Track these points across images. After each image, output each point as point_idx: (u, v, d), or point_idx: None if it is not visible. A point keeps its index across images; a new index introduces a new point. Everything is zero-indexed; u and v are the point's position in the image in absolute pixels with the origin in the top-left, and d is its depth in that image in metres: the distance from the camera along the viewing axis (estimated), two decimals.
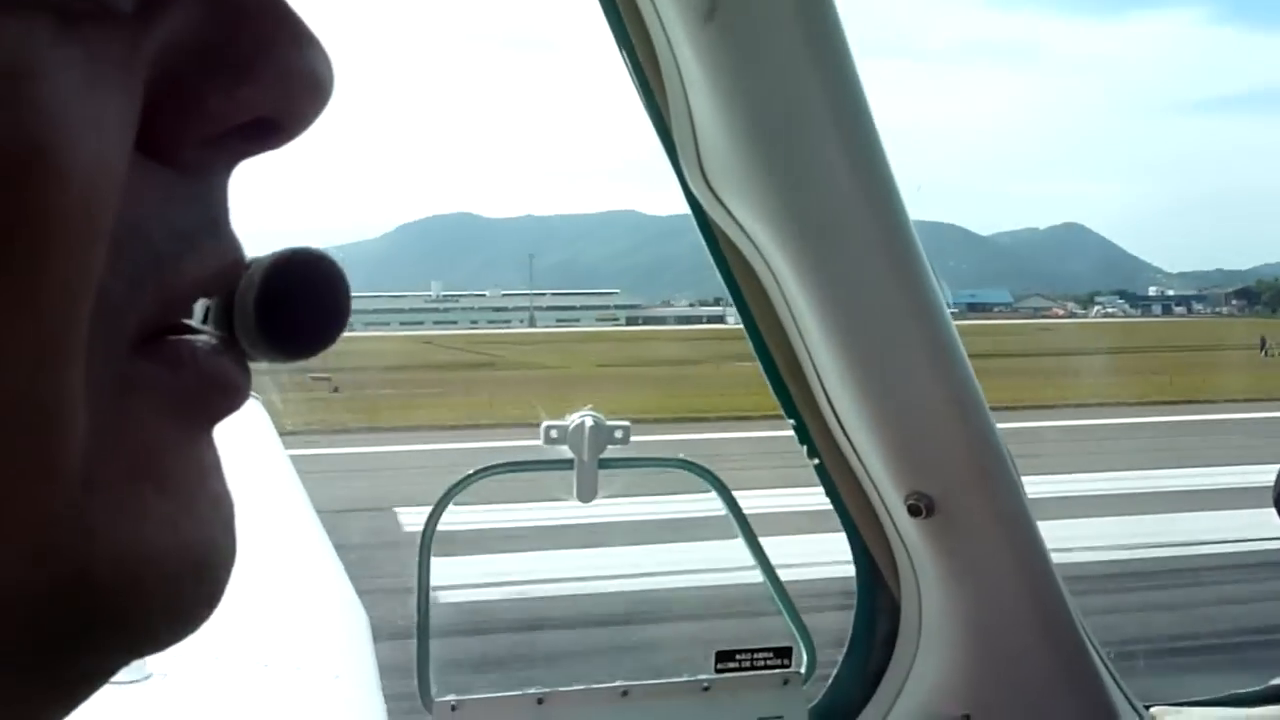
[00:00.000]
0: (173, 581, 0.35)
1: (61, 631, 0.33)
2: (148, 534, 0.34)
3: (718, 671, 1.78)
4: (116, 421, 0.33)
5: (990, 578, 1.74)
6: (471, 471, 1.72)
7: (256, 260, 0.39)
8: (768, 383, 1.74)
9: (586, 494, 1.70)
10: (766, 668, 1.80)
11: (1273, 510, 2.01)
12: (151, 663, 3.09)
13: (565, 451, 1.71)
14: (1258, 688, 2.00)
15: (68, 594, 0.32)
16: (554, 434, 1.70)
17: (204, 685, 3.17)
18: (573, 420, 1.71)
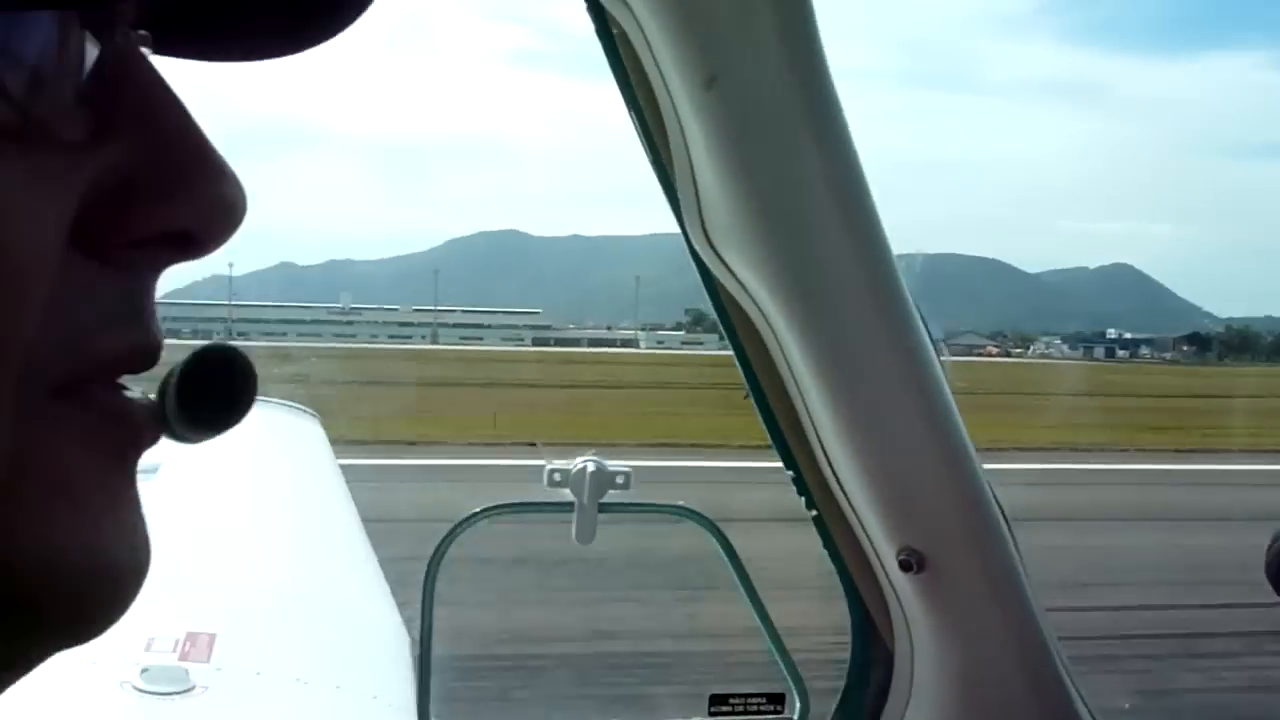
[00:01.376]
0: (76, 582, 0.43)
1: None
2: (57, 538, 0.43)
3: (710, 714, 1.83)
4: (35, 447, 0.42)
5: (980, 633, 1.77)
6: (476, 510, 1.78)
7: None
8: (767, 434, 1.78)
9: (585, 537, 1.75)
10: (760, 713, 1.85)
11: None
12: (194, 674, 3.17)
13: (567, 494, 1.76)
14: None
15: None
16: (556, 477, 1.76)
17: (243, 699, 3.24)
18: (575, 464, 1.76)
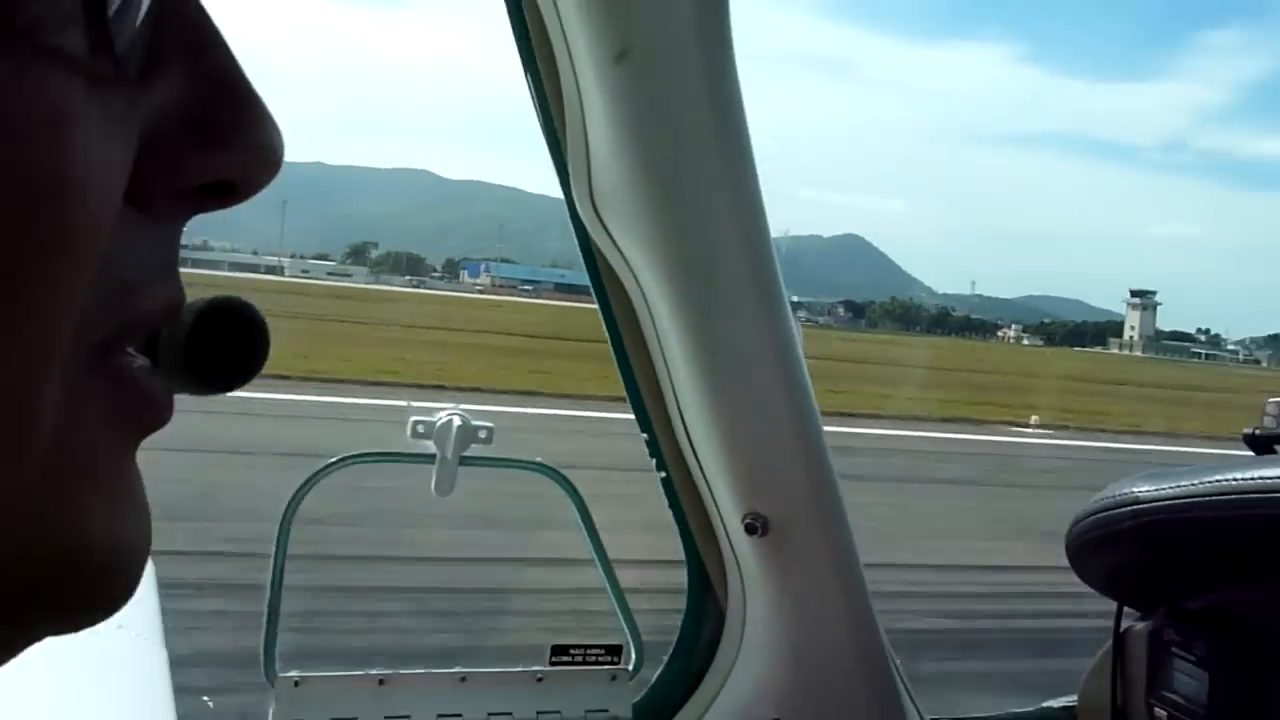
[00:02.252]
0: (100, 572, 0.40)
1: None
2: (87, 527, 0.39)
3: (552, 664, 1.88)
4: (71, 424, 0.38)
5: (812, 596, 1.88)
6: (334, 459, 1.76)
7: (187, 304, 0.46)
8: (627, 397, 1.84)
9: (445, 489, 1.77)
10: (597, 663, 1.91)
11: None
12: None
13: (430, 446, 1.77)
14: (1030, 708, 2.20)
15: (13, 570, 0.37)
16: (420, 429, 1.76)
17: None
18: (440, 417, 1.77)
